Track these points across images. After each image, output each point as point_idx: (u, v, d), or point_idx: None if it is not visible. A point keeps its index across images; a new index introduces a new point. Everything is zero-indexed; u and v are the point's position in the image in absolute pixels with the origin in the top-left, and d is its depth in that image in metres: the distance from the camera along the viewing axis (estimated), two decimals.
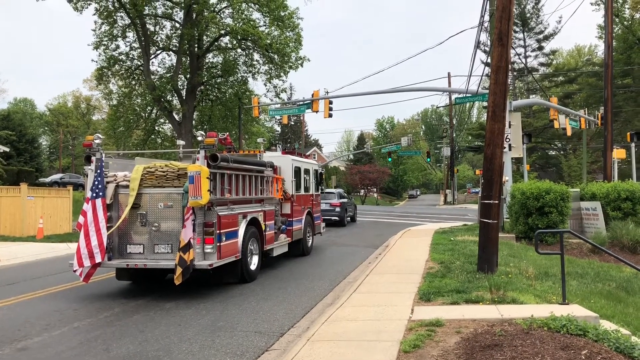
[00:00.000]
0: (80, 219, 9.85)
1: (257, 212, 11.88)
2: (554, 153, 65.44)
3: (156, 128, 40.58)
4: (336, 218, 26.71)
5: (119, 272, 11.04)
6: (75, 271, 9.76)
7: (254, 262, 11.59)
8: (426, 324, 6.95)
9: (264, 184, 12.51)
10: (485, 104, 15.23)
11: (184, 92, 36.71)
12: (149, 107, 38.54)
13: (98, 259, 9.59)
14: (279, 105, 36.14)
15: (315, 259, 15.06)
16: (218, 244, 9.78)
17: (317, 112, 28.36)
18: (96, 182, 9.92)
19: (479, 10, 14.32)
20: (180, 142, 12.99)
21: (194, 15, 34.63)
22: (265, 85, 39.22)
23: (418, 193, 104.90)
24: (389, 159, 72.24)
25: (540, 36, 60.70)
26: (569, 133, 31.23)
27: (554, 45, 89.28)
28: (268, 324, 7.95)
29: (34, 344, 7.11)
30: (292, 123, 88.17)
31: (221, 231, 9.90)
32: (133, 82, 38.26)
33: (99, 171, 9.99)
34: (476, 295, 8.39)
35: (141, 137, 40.88)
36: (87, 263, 9.58)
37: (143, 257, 9.94)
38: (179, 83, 36.49)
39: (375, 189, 77.01)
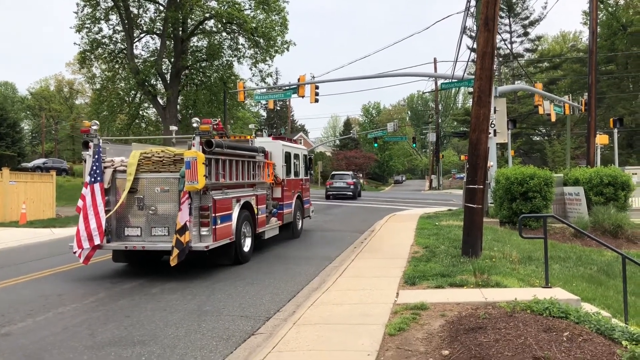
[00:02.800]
0: (79, 202, 10.11)
1: (250, 196, 12.19)
2: (538, 139, 66.01)
3: (140, 112, 40.07)
4: (350, 193, 36.51)
5: (115, 254, 11.22)
6: (75, 252, 10.02)
7: (247, 245, 11.91)
8: (411, 307, 7.01)
9: (256, 169, 12.82)
10: (470, 89, 15.30)
11: (168, 76, 36.29)
12: (133, 92, 38.02)
13: (97, 241, 9.88)
14: (264, 90, 35.92)
15: (302, 243, 15.08)
16: (213, 227, 10.10)
17: (303, 97, 28.27)
18: (94, 167, 10.15)
19: None
20: (173, 128, 13.19)
21: None
22: (251, 70, 38.88)
23: (404, 178, 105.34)
24: (375, 145, 72.30)
25: (526, 22, 60.89)
26: (553, 119, 31.49)
27: (539, 31, 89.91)
28: (254, 308, 7.96)
29: (18, 330, 7.06)
30: (278, 108, 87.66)
31: (216, 215, 10.19)
32: (116, 66, 37.72)
33: (96, 156, 10.22)
34: (460, 279, 8.48)
35: (125, 121, 40.40)
36: (86, 245, 9.87)
37: (141, 240, 10.19)
38: (163, 67, 36.05)
39: (361, 175, 77.22)
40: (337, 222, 21.17)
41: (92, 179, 10.08)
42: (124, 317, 7.60)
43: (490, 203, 18.95)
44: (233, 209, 11.10)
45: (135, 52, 36.60)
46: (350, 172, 41.34)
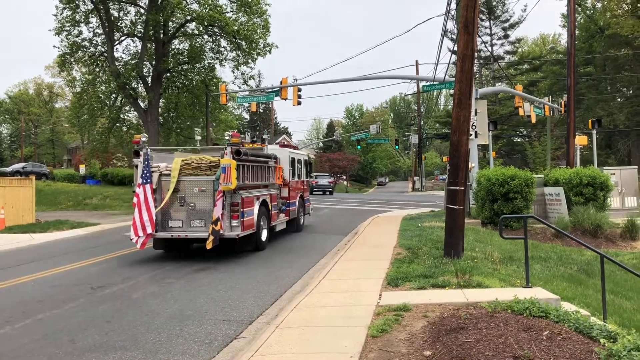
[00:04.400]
0: (134, 199, 12.34)
1: (266, 195, 14.52)
2: (519, 140, 66.70)
3: (121, 116, 39.69)
4: (330, 189, 50.77)
5: (156, 242, 13.42)
6: (132, 239, 12.24)
7: (264, 235, 14.27)
8: (394, 308, 7.04)
9: (269, 172, 15.18)
10: (452, 91, 15.42)
11: (149, 79, 35.98)
12: (114, 95, 37.63)
13: (149, 230, 12.17)
14: (247, 93, 35.84)
15: (284, 246, 15.06)
16: (242, 220, 12.45)
17: (285, 99, 28.22)
18: (144, 171, 12.37)
19: None
20: (198, 138, 16.40)
21: (159, 1, 33.92)
22: (233, 72, 38.83)
23: (387, 180, 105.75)
24: (358, 147, 72.44)
25: (506, 24, 61.55)
26: (533, 120, 31.81)
27: (519, 34, 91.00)
28: (237, 312, 7.94)
29: None
30: (261, 111, 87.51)
31: (243, 210, 12.56)
32: (97, 69, 37.30)
33: (146, 163, 12.44)
34: (443, 280, 8.53)
35: (106, 125, 40.02)
36: (141, 233, 12.13)
37: (182, 230, 12.46)
38: (144, 70, 35.73)
39: (344, 177, 77.36)
40: (320, 223, 21.15)
41: (143, 181, 12.30)
42: (104, 322, 7.52)
43: (472, 204, 19.11)
44: (254, 206, 13.43)
45: (116, 55, 36.27)
46: (328, 174, 59.02)
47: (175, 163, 12.44)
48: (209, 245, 11.69)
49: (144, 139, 12.76)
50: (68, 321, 7.63)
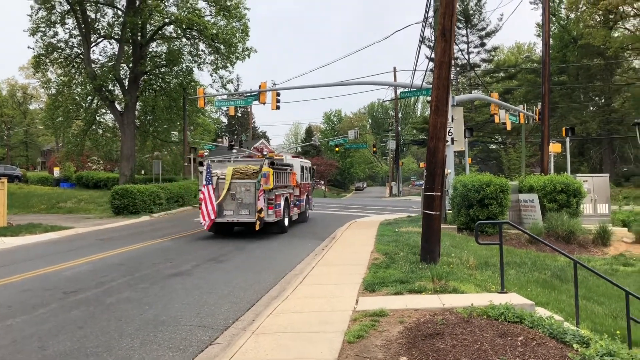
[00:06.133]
0: (200, 195, 17.49)
1: (287, 193, 19.69)
2: (494, 147, 67.59)
3: (97, 118, 39.19)
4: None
5: (214, 226, 17.75)
6: (201, 224, 17.44)
7: (286, 222, 19.46)
8: (370, 314, 7.04)
9: (289, 176, 20.17)
10: (429, 98, 15.54)
11: (126, 82, 35.59)
12: (90, 97, 37.09)
13: (212, 217, 17.19)
14: (225, 97, 35.58)
15: (261, 250, 14.99)
16: (276, 210, 17.87)
17: (264, 103, 28.04)
18: (207, 176, 17.35)
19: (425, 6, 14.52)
20: (233, 151, 18.22)
21: (137, 3, 33.55)
22: (212, 76, 38.60)
23: (365, 185, 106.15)
24: (337, 152, 72.64)
25: (483, 33, 62.44)
26: (508, 127, 32.18)
27: (495, 42, 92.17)
28: (212, 318, 7.85)
29: None
30: (239, 115, 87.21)
31: (276, 203, 17.89)
32: (73, 71, 36.77)
33: (208, 170, 17.40)
34: (419, 285, 8.56)
35: (81, 127, 39.44)
36: (207, 219, 17.20)
37: (233, 217, 17.56)
38: (121, 72, 35.35)
39: (322, 182, 77.44)
40: (297, 228, 21.07)
41: (207, 182, 17.32)
42: (76, 328, 7.38)
43: (448, 210, 19.25)
44: (282, 200, 18.64)
45: (93, 56, 35.85)
46: None
47: (228, 170, 17.45)
48: (257, 227, 17.01)
49: (206, 153, 17.29)
50: (39, 327, 7.46)
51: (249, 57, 36.21)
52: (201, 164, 18.09)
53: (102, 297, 9.27)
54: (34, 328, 7.43)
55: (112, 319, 7.80)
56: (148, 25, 35.50)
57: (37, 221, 22.58)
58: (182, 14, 33.58)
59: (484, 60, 64.57)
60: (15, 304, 8.86)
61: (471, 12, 61.73)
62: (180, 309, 8.38)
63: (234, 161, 18.68)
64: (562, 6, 53.55)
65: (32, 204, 31.29)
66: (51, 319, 7.87)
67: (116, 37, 35.66)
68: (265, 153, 17.52)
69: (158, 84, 38.85)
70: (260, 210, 16.91)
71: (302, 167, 23.46)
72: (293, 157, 24.52)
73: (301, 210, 22.85)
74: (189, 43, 37.28)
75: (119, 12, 35.98)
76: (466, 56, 62.10)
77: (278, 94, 28.06)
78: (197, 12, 34.18)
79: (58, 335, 7.04)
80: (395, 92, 55.78)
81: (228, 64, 36.53)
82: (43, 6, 33.69)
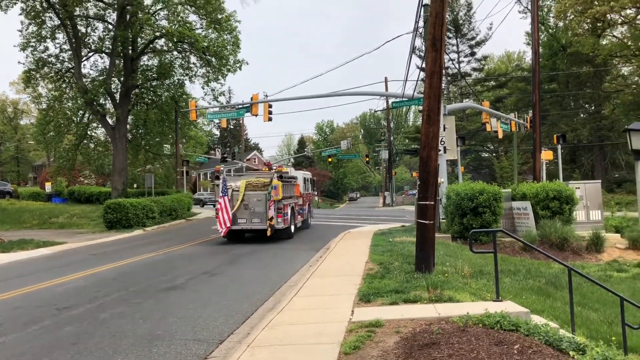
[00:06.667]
0: (217, 206, 19.51)
1: (293, 203, 21.82)
2: (486, 155, 67.82)
3: (88, 132, 39.06)
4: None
5: (228, 233, 19.67)
6: (218, 231, 19.54)
7: (292, 229, 21.57)
8: (366, 325, 7.01)
9: (294, 188, 22.36)
10: (421, 108, 15.63)
11: (117, 96, 35.53)
12: (81, 111, 36.99)
13: (228, 224, 19.28)
14: (217, 109, 35.61)
15: (255, 262, 14.94)
16: (284, 218, 19.98)
17: (256, 115, 28.11)
18: (223, 188, 19.32)
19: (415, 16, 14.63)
20: (243, 164, 19.02)
21: (128, 17, 33.58)
22: (203, 89, 38.59)
23: (358, 195, 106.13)
24: (330, 163, 72.72)
25: (473, 42, 62.91)
26: (500, 136, 32.39)
27: (485, 51, 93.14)
28: (207, 331, 7.80)
29: None
30: (232, 127, 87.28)
31: (284, 212, 19.99)
32: (64, 85, 36.66)
33: (224, 183, 19.36)
34: (414, 295, 8.54)
35: (73, 142, 39.28)
36: (223, 227, 19.33)
37: (246, 225, 19.71)
38: (113, 86, 35.28)
39: (316, 192, 77.39)
40: (292, 239, 21.04)
41: (223, 194, 19.33)
42: (70, 344, 7.30)
43: (442, 218, 19.28)
44: (288, 209, 20.76)
45: (84, 71, 35.75)
46: None
47: (241, 183, 19.72)
48: (268, 233, 19.28)
49: (222, 168, 20.12)
50: (32, 344, 7.38)
51: (240, 69, 36.27)
52: (217, 177, 19.80)
53: (96, 312, 9.20)
54: (26, 345, 7.35)
55: (106, 335, 7.73)
56: (139, 39, 35.50)
57: (29, 237, 22.42)
58: (173, 27, 33.62)
59: (474, 69, 65.02)
60: (7, 321, 8.76)
61: (461, 21, 62.23)
62: (175, 322, 8.32)
63: (245, 175, 20.86)
64: (551, 15, 54.00)
65: (23, 220, 31.06)
66: (44, 336, 7.79)
67: (107, 51, 35.64)
68: (273, 167, 20.36)
69: (149, 97, 38.81)
70: (271, 219, 19.10)
71: (305, 178, 25.91)
72: (297, 169, 27.68)
73: (304, 218, 25.21)
74: (180, 56, 37.31)
75: (110, 26, 36.00)
76: (457, 65, 62.55)
77: (270, 106, 28.13)
78: (187, 25, 34.25)
79: (52, 352, 6.97)
80: (387, 102, 56.04)
81: (219, 77, 36.56)
82: (33, 21, 33.65)
